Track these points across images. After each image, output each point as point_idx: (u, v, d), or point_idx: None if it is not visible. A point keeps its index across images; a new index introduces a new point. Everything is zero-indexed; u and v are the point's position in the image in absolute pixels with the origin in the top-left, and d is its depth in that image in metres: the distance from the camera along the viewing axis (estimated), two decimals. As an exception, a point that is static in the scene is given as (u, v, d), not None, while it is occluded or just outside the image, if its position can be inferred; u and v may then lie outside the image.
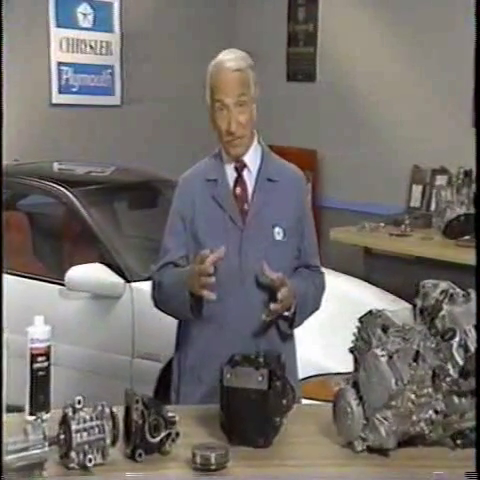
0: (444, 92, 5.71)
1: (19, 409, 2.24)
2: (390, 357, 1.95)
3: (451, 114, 5.67)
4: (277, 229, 2.40)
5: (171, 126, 6.97)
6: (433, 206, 5.63)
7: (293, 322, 2.42)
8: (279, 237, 2.40)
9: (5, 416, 1.98)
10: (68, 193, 4.06)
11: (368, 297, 4.17)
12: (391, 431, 1.95)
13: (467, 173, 5.17)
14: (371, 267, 5.40)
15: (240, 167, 2.43)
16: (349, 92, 6.29)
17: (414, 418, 1.96)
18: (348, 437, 2.02)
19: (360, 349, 2.14)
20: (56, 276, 3.91)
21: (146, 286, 3.74)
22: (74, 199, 4.04)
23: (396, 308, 4.09)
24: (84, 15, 6.61)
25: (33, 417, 2.22)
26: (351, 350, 2.19)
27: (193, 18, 7.08)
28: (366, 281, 4.59)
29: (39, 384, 2.25)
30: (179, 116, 6.98)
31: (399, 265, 5.37)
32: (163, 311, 2.48)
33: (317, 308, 2.52)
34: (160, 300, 2.45)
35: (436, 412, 1.97)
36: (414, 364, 1.94)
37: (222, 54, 2.43)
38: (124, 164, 5.18)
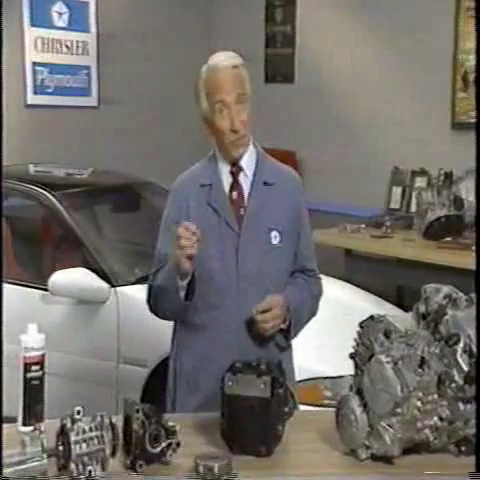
0: (423, 95, 5.73)
1: (10, 420, 2.19)
2: (395, 363, 1.92)
3: (430, 116, 5.69)
4: (274, 233, 2.36)
5: (149, 127, 6.92)
6: (413, 208, 5.63)
7: (289, 334, 2.38)
8: (276, 241, 2.37)
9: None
10: (50, 196, 3.99)
11: (354, 299, 4.16)
12: (396, 438, 1.92)
13: (447, 175, 5.17)
14: (352, 269, 5.39)
15: (236, 171, 2.39)
16: (328, 94, 6.29)
17: (419, 425, 1.93)
18: (352, 445, 1.99)
19: (361, 355, 2.11)
20: (38, 281, 3.85)
21: (132, 291, 3.75)
22: (56, 202, 3.97)
23: (381, 309, 4.13)
24: (59, 14, 6.54)
25: (27, 428, 2.17)
26: (351, 356, 2.17)
27: (170, 18, 7.05)
28: (347, 283, 4.58)
29: (33, 394, 2.19)
30: (157, 117, 6.94)
31: (379, 266, 5.38)
32: (158, 315, 2.43)
33: (313, 316, 2.50)
34: (154, 302, 2.41)
35: (441, 419, 1.95)
36: (420, 370, 1.91)
37: (212, 57, 2.39)
38: (102, 166, 5.12)
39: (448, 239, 4.96)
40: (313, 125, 6.35)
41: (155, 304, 2.41)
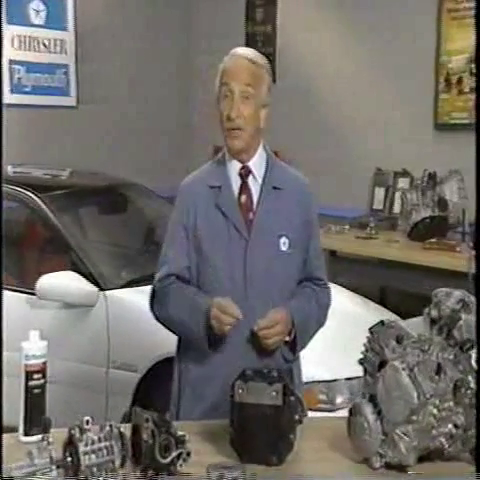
0: (406, 96, 5.72)
1: (9, 430, 2.13)
2: (411, 370, 1.89)
3: (413, 118, 5.68)
4: (283, 239, 2.31)
5: (129, 128, 6.84)
6: (396, 209, 5.63)
7: (295, 347, 2.34)
8: (285, 248, 2.31)
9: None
10: (35, 198, 3.92)
11: (343, 301, 4.13)
12: (411, 447, 1.89)
13: (431, 176, 5.18)
14: (336, 270, 5.37)
15: (245, 173, 2.34)
16: (309, 94, 6.26)
17: (434, 433, 1.90)
18: (365, 453, 1.96)
19: (371, 360, 2.08)
20: (24, 285, 3.78)
21: (121, 294, 3.69)
22: (41, 204, 3.90)
23: (368, 309, 4.11)
24: (36, 12, 6.43)
25: (28, 438, 2.12)
26: (361, 362, 2.14)
27: (150, 17, 6.98)
28: (332, 284, 4.56)
29: (35, 402, 2.14)
30: (137, 118, 6.86)
31: (363, 267, 5.37)
32: (165, 327, 2.39)
33: (321, 326, 2.45)
34: (164, 319, 2.37)
35: (456, 426, 1.92)
36: (436, 377, 1.88)
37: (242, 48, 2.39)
38: (81, 167, 5.04)
39: (433, 240, 4.95)
40: (295, 126, 6.32)
41: (167, 323, 2.38)
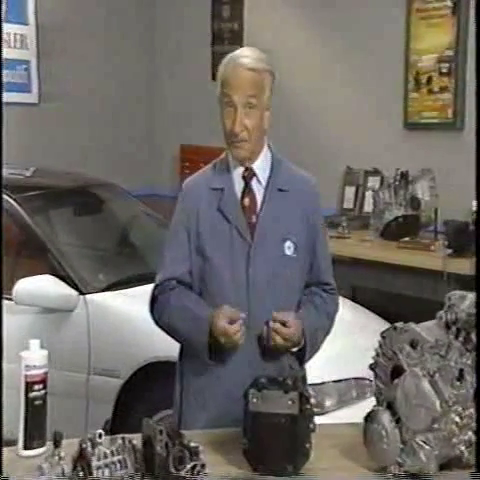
0: (376, 95, 5.70)
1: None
2: (431, 376, 1.85)
3: (383, 116, 5.68)
4: (288, 243, 2.24)
5: (92, 126, 6.71)
6: (366, 208, 5.62)
7: (303, 357, 2.29)
8: (289, 252, 2.24)
9: None
10: (10, 199, 3.79)
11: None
12: (432, 455, 1.85)
13: (403, 175, 5.18)
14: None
15: (248, 176, 2.27)
16: (278, 93, 6.14)
17: (454, 441, 1.86)
18: (383, 462, 1.91)
19: (382, 366, 2.04)
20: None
21: (102, 298, 3.60)
22: (16, 205, 3.78)
23: (353, 311, 4.09)
24: (-5, 5, 6.25)
25: (28, 451, 2.03)
26: (372, 367, 2.10)
27: (113, 13, 6.84)
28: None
29: (35, 415, 2.06)
30: (100, 115, 6.73)
31: (336, 267, 5.32)
32: (167, 334, 2.32)
33: (328, 335, 2.39)
34: (165, 326, 2.30)
35: (475, 433, 1.89)
36: (457, 383, 1.85)
37: (241, 49, 2.28)
38: (43, 166, 4.90)
39: (407, 239, 4.95)
40: (263, 124, 6.26)
41: (168, 330, 2.30)
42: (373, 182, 5.63)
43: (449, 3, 5.30)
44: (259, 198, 2.27)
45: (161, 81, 7.13)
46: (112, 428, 3.41)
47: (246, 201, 2.26)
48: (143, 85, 7.13)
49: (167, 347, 3.27)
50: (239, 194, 2.26)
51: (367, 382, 3.55)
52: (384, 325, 4.18)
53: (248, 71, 2.20)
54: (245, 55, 2.23)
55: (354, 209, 5.72)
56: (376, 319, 4.19)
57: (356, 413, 3.37)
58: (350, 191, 5.78)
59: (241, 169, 2.28)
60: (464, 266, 4.60)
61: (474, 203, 5.00)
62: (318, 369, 3.31)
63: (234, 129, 2.19)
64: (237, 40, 6.47)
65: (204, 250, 2.23)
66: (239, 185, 2.27)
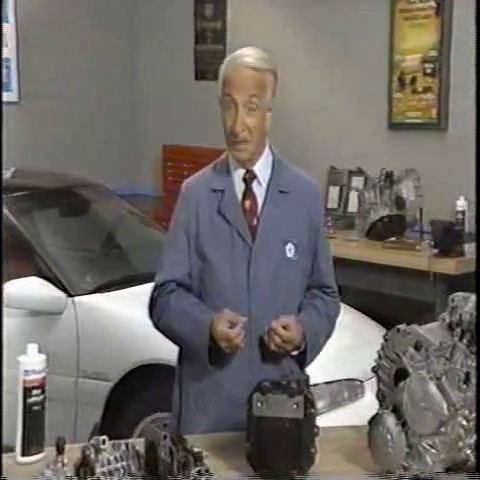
0: (360, 95, 5.69)
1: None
2: (438, 379, 1.83)
3: (367, 117, 5.67)
4: (289, 246, 2.22)
5: (75, 125, 6.64)
6: (350, 207, 5.61)
7: (304, 361, 2.27)
8: (291, 254, 2.22)
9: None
10: (-4, 200, 3.73)
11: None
12: (439, 459, 1.83)
13: (388, 175, 5.18)
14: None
15: (249, 178, 2.24)
16: (262, 92, 6.17)
17: (460, 444, 1.85)
18: (388, 466, 1.89)
19: (385, 368, 2.03)
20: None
21: (91, 300, 3.55)
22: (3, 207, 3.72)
23: (343, 313, 4.07)
24: (-27, 2, 6.15)
25: (26, 458, 1.99)
26: (374, 370, 2.08)
27: (94, 11, 6.77)
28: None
29: (34, 420, 2.02)
30: (81, 114, 6.66)
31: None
32: (167, 338, 2.28)
33: (329, 338, 2.37)
34: (163, 329, 2.26)
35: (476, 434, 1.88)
36: (464, 386, 1.83)
37: (243, 49, 2.26)
38: (23, 165, 4.84)
39: (393, 239, 4.95)
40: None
41: (167, 333, 2.27)
42: (357, 182, 5.62)
43: (433, 4, 5.31)
44: (260, 200, 2.24)
45: (144, 80, 7.08)
46: (102, 432, 3.39)
47: (247, 203, 2.23)
48: (125, 84, 7.07)
49: (157, 349, 3.26)
50: (240, 196, 2.24)
51: (358, 383, 3.55)
52: (370, 325, 4.21)
53: (250, 70, 2.18)
54: (247, 54, 2.22)
55: (338, 209, 5.71)
56: (362, 319, 4.19)
57: (348, 414, 3.39)
58: (334, 191, 5.76)
59: (242, 171, 2.25)
60: (450, 266, 4.63)
61: (458, 203, 5.03)
62: (310, 371, 3.33)
63: (235, 129, 2.17)
64: (220, 39, 6.43)
65: (204, 252, 2.20)
66: (240, 187, 2.24)
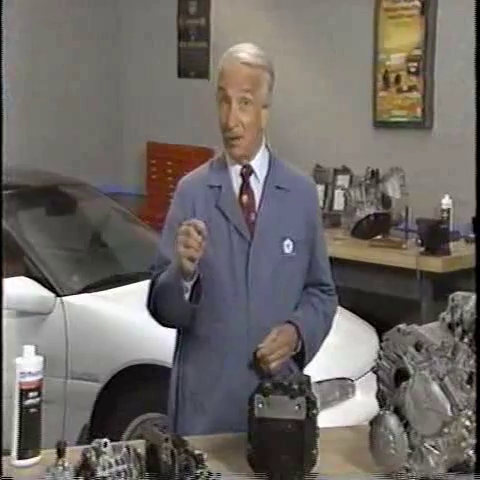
0: (345, 93, 5.70)
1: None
2: (441, 379, 1.82)
3: (352, 115, 5.68)
4: (287, 242, 2.20)
5: (59, 123, 6.59)
6: (336, 206, 5.61)
7: (302, 361, 2.25)
8: (288, 250, 2.20)
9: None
10: (-19, 199, 3.68)
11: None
12: (441, 460, 1.82)
13: (374, 173, 5.19)
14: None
15: (246, 173, 2.23)
16: (246, 90, 6.15)
17: (463, 445, 1.84)
18: (390, 467, 1.87)
19: (385, 369, 2.01)
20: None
21: (79, 300, 3.52)
22: (-12, 206, 3.67)
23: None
24: None
25: (22, 461, 1.96)
26: (374, 370, 2.07)
27: (78, 9, 6.70)
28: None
29: (30, 423, 1.99)
30: (67, 112, 6.62)
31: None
32: (160, 321, 2.21)
33: (327, 336, 2.35)
34: (155, 306, 2.18)
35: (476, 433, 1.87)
36: (467, 386, 1.82)
37: (240, 44, 2.26)
38: (8, 165, 4.78)
39: (379, 237, 4.96)
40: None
41: (157, 308, 2.18)
42: (342, 180, 5.63)
43: (417, 3, 5.32)
44: (257, 196, 2.23)
45: (127, 78, 7.03)
46: (91, 433, 3.35)
47: (244, 198, 2.22)
48: (109, 82, 7.02)
49: (147, 350, 3.24)
50: (237, 192, 2.22)
51: (349, 382, 3.55)
52: (358, 323, 4.20)
53: (243, 65, 2.17)
54: (243, 50, 2.22)
55: (324, 207, 5.70)
56: (351, 317, 4.19)
57: (338, 413, 3.38)
58: (319, 189, 5.74)
59: (238, 167, 2.23)
60: (437, 264, 4.64)
61: (443, 201, 5.05)
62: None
63: (228, 123, 2.15)
64: (204, 36, 6.41)
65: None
66: (237, 183, 2.23)
